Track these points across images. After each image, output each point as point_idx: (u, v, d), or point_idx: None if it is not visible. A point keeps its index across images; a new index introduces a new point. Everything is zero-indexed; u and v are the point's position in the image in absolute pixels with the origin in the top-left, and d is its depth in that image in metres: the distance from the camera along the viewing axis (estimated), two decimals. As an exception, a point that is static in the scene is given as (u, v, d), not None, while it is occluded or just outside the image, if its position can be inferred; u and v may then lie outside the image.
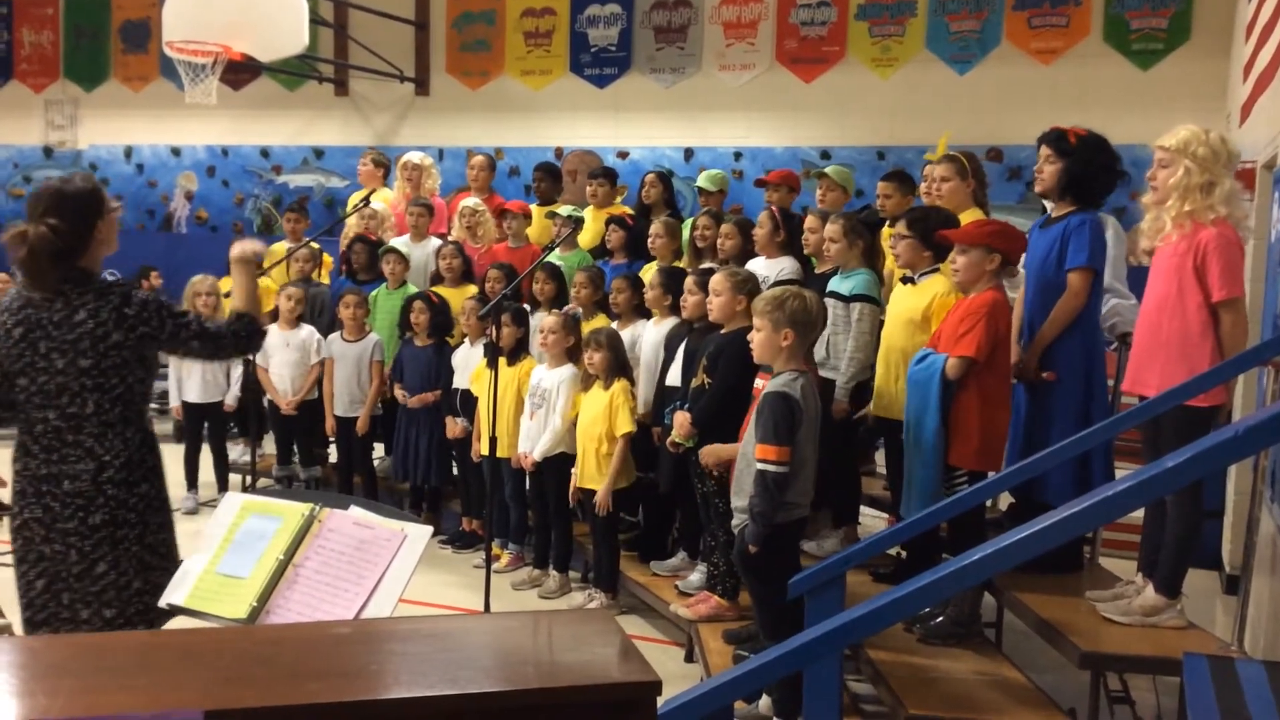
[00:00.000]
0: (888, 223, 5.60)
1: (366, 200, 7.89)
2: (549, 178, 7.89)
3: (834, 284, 5.12)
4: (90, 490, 3.10)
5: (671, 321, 5.52)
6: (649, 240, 6.21)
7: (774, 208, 5.84)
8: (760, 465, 3.78)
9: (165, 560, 3.23)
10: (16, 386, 3.13)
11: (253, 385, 7.12)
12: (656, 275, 5.68)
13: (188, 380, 7.19)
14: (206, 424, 7.34)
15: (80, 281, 3.11)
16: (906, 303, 4.67)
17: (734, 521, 3.98)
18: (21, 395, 3.12)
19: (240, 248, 3.42)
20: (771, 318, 3.91)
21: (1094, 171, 4.30)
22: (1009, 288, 4.63)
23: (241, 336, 3.29)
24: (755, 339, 3.99)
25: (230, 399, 7.30)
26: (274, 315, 7.11)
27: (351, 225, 7.87)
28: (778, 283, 4.95)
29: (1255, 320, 5.51)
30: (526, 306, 6.21)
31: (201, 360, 3.39)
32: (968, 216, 4.94)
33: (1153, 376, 3.82)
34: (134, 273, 9.46)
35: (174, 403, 7.28)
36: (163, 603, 2.75)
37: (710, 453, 4.41)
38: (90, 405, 3.10)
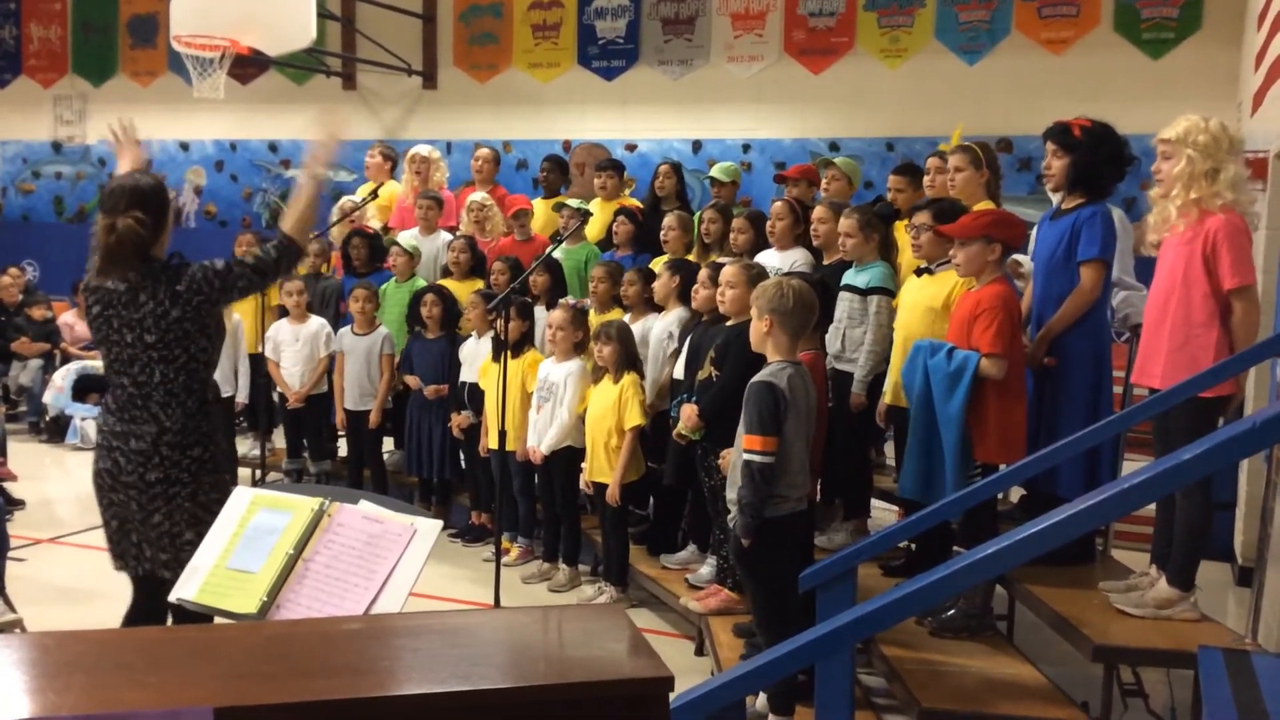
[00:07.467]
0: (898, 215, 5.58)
1: (375, 193, 7.88)
2: (556, 170, 7.89)
3: (849, 277, 5.10)
4: (149, 450, 3.43)
5: (682, 314, 5.51)
6: (662, 233, 6.18)
7: (792, 200, 5.83)
8: (746, 456, 3.75)
9: (215, 517, 3.33)
10: (100, 355, 3.54)
11: (262, 379, 7.14)
12: (665, 267, 5.67)
13: None
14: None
15: (145, 267, 3.41)
16: (926, 292, 4.65)
17: (729, 515, 3.96)
18: (104, 363, 3.54)
19: (322, 153, 3.70)
20: (756, 305, 3.93)
21: (1101, 163, 4.28)
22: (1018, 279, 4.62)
23: (284, 261, 3.56)
24: (750, 328, 4.01)
25: (242, 395, 7.29)
26: (282, 312, 7.11)
27: (343, 221, 7.79)
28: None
29: (1267, 311, 5.48)
30: (530, 300, 6.21)
31: (258, 291, 3.80)
32: (978, 208, 4.92)
33: (1157, 368, 3.82)
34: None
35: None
36: (173, 598, 2.75)
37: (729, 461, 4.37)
38: (157, 375, 3.42)
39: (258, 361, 7.20)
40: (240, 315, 7.19)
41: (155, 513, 3.44)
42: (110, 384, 3.54)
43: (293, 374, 7.01)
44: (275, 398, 7.21)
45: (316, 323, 7.03)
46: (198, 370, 3.49)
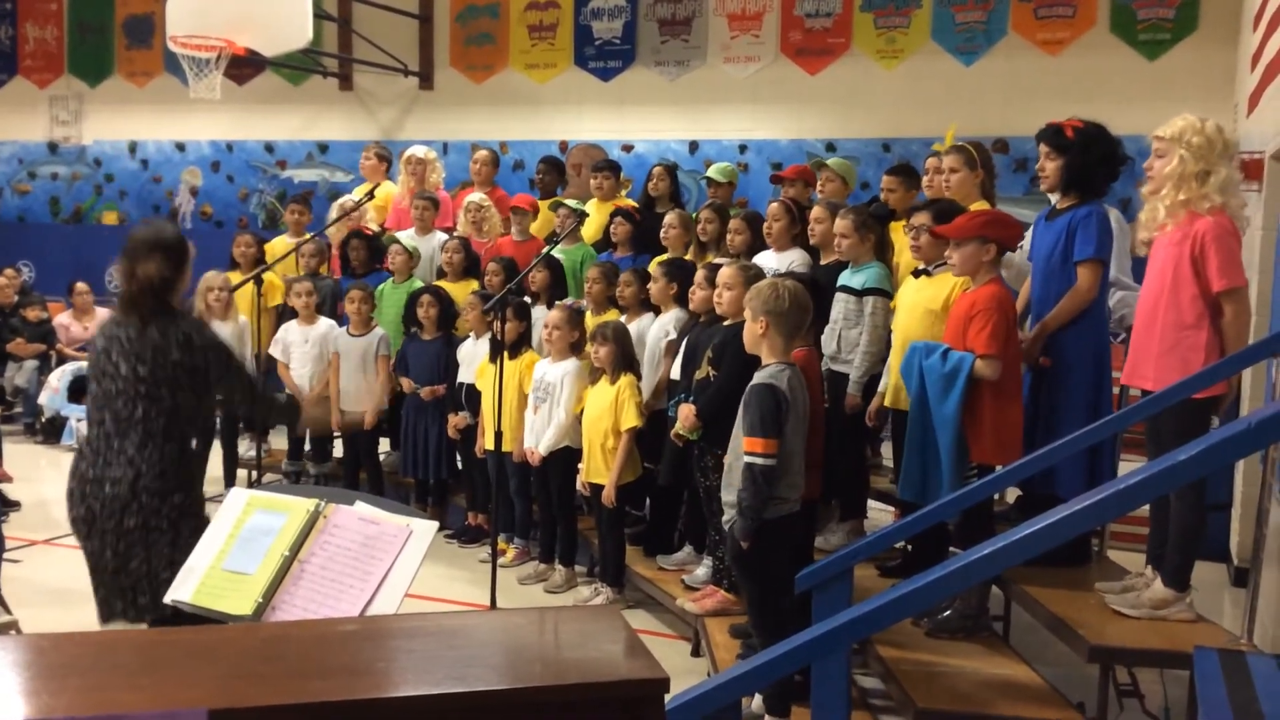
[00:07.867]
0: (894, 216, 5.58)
1: (371, 194, 7.87)
2: (552, 170, 7.88)
3: (844, 278, 5.10)
4: (127, 495, 3.34)
5: (679, 314, 5.50)
6: (662, 231, 6.16)
7: (789, 200, 5.83)
8: (747, 458, 3.75)
9: None
10: (88, 393, 3.48)
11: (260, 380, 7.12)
12: (660, 267, 5.67)
13: None
14: (219, 421, 7.30)
15: (160, 310, 3.43)
16: (925, 293, 4.65)
17: (724, 517, 3.96)
18: (89, 401, 3.48)
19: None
20: (750, 306, 3.94)
21: (1093, 163, 4.29)
22: (1012, 280, 4.61)
23: (274, 415, 3.87)
24: (745, 329, 4.01)
25: None
26: (289, 312, 7.09)
27: (342, 220, 7.77)
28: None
29: (1263, 311, 5.48)
30: (528, 300, 6.20)
31: (231, 405, 3.92)
32: (974, 209, 4.92)
33: (1149, 369, 3.82)
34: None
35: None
36: (168, 599, 2.75)
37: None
38: (139, 411, 3.36)
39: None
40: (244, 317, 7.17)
41: (134, 559, 3.38)
42: (89, 423, 3.48)
43: (302, 375, 6.98)
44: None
45: (325, 324, 6.99)
46: (178, 420, 3.43)
